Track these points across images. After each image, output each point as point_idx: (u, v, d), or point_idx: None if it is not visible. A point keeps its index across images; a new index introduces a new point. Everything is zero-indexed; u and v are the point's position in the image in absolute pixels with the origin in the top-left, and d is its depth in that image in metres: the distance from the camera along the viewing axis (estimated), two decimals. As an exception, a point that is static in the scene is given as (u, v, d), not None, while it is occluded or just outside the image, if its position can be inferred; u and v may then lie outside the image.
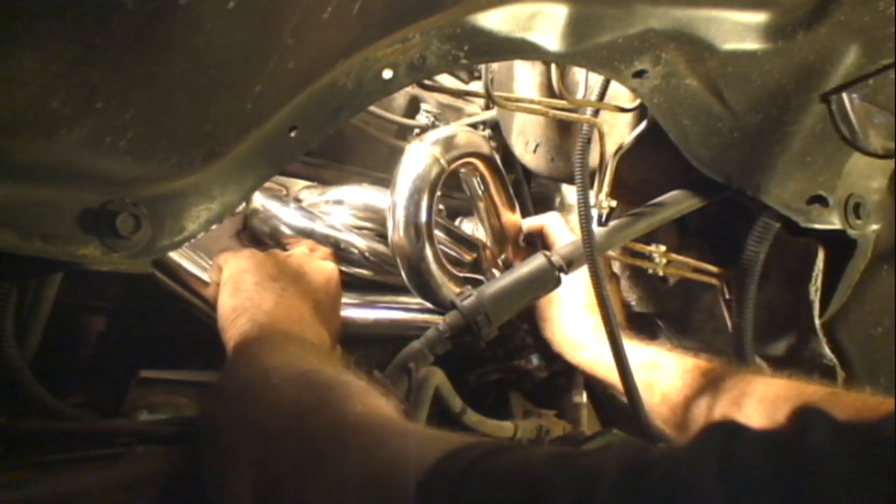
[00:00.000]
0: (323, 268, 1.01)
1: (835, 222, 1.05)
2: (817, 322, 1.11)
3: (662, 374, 0.99)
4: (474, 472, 0.45)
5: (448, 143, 1.00)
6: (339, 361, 0.78)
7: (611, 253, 1.08)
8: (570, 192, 1.34)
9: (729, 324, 1.13)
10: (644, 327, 1.24)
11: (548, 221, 1.16)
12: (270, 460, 0.60)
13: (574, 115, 1.01)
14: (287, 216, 1.09)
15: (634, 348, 1.02)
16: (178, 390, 0.94)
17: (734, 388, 0.89)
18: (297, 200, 1.16)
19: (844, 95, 0.82)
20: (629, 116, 1.06)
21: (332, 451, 0.56)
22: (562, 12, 0.79)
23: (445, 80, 1.32)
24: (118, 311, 1.05)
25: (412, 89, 1.26)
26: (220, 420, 0.70)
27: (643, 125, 1.03)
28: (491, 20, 0.77)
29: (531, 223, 1.17)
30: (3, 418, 0.71)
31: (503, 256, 1.15)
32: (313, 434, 0.59)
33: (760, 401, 0.85)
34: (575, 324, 1.09)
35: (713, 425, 0.37)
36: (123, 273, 0.71)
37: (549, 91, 1.04)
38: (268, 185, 1.13)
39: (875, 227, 1.07)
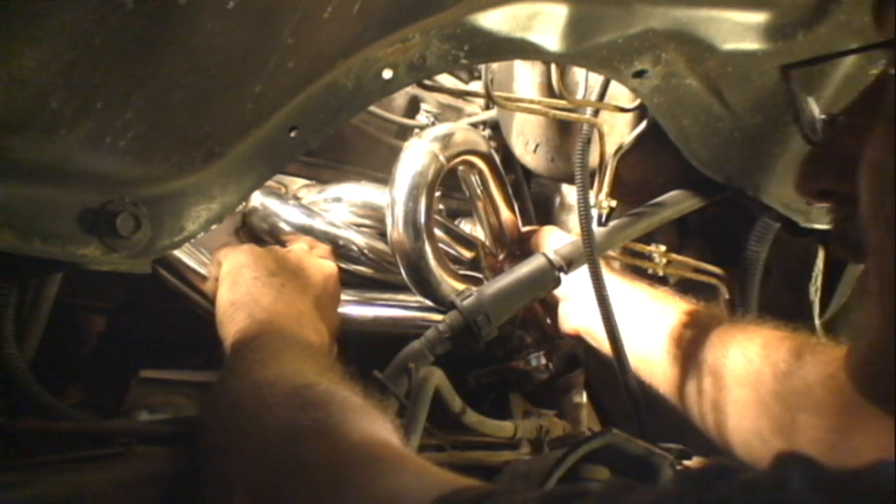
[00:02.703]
0: (322, 265, 1.01)
1: (835, 222, 1.05)
2: (817, 322, 1.11)
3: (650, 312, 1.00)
4: None
5: (447, 141, 1.00)
6: (337, 366, 0.77)
7: (611, 253, 1.08)
8: (570, 192, 1.34)
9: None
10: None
11: (544, 228, 1.16)
12: (267, 488, 0.59)
13: (574, 115, 1.01)
14: (286, 213, 1.09)
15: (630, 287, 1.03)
16: (178, 390, 0.94)
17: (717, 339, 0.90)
18: (296, 198, 1.16)
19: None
20: (629, 116, 1.06)
21: (328, 483, 0.55)
22: (562, 12, 0.79)
23: (445, 80, 1.32)
24: (118, 311, 1.05)
25: (412, 89, 1.26)
26: (215, 437, 0.69)
27: (643, 125, 1.03)
28: (491, 20, 0.77)
29: (529, 229, 1.17)
30: (3, 418, 0.71)
31: (502, 256, 1.15)
32: (309, 463, 0.58)
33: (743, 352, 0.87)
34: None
35: (700, 469, 0.37)
36: (123, 273, 0.71)
37: (549, 91, 1.04)
38: (267, 183, 1.13)
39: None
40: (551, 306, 1.12)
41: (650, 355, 0.97)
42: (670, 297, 1.01)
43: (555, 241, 1.09)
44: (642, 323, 0.99)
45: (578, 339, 1.08)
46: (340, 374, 0.74)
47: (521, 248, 1.13)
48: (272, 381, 0.69)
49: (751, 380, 0.84)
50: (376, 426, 0.63)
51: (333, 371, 0.75)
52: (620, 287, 1.02)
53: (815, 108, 0.52)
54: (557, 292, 1.06)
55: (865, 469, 0.32)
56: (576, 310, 1.07)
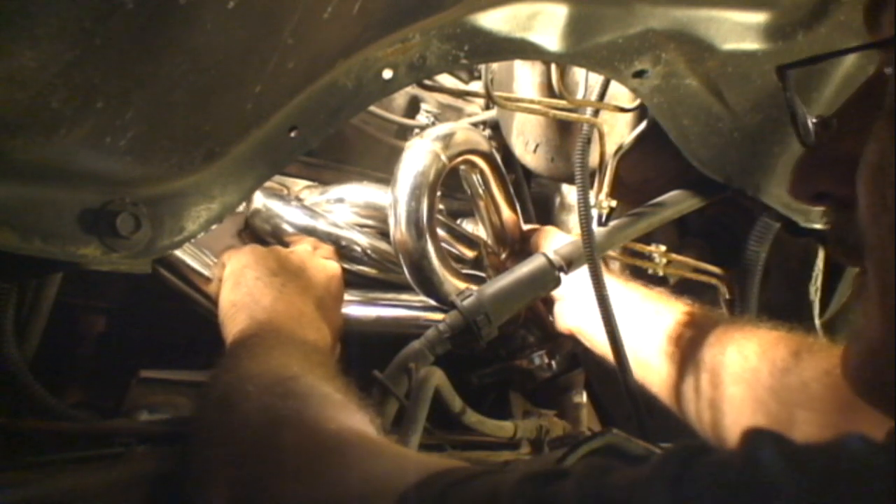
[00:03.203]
0: (325, 265, 1.01)
1: (835, 222, 1.05)
2: (817, 322, 1.11)
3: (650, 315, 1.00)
4: (445, 502, 0.44)
5: (448, 140, 1.00)
6: (329, 363, 0.78)
7: (611, 253, 1.08)
8: (570, 192, 1.34)
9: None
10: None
11: (545, 228, 1.15)
12: (245, 474, 0.59)
13: (574, 115, 1.01)
14: (289, 214, 1.10)
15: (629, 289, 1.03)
16: (178, 390, 0.94)
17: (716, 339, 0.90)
18: (299, 199, 1.16)
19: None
20: (629, 116, 1.06)
21: (304, 470, 0.56)
22: (562, 12, 0.79)
23: (445, 80, 1.32)
24: (118, 311, 1.05)
25: (412, 89, 1.26)
26: (201, 429, 0.70)
27: (643, 125, 1.03)
28: (491, 20, 0.77)
29: (529, 227, 1.17)
30: (3, 418, 0.71)
31: (504, 254, 1.15)
32: (286, 450, 0.59)
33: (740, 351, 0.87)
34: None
35: (673, 450, 0.37)
36: (123, 273, 0.71)
37: (549, 91, 1.04)
38: (268, 184, 1.13)
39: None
40: (553, 305, 1.13)
41: (645, 356, 0.97)
42: (665, 297, 1.01)
43: (555, 241, 1.09)
44: (637, 323, 0.99)
45: (573, 339, 1.08)
46: (331, 371, 0.75)
47: (523, 246, 1.13)
48: (257, 373, 0.70)
49: (748, 377, 0.84)
50: (354, 419, 0.64)
51: (324, 368, 0.75)
52: (615, 287, 1.01)
53: (805, 111, 0.52)
54: (553, 292, 1.06)
55: (834, 443, 0.33)
56: (571, 310, 1.07)
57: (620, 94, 1.01)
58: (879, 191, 0.41)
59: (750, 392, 0.83)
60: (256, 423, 0.63)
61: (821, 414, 0.76)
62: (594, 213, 1.03)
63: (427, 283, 1.00)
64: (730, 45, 0.89)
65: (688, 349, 0.92)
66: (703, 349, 0.90)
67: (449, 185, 1.20)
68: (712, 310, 1.02)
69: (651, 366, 0.97)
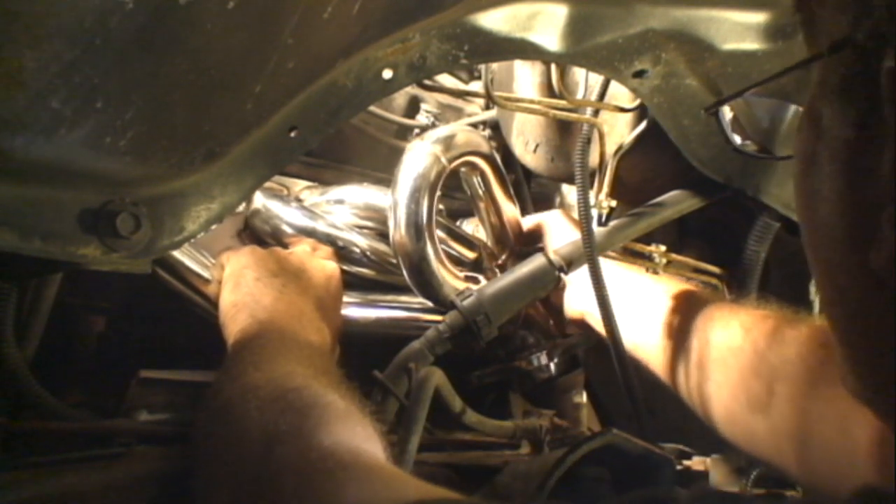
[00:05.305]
0: (324, 266, 1.01)
1: (835, 222, 1.05)
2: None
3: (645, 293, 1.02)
4: None
5: (449, 142, 1.00)
6: (333, 367, 0.77)
7: (611, 253, 1.08)
8: (570, 192, 1.34)
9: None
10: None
11: (546, 219, 1.16)
12: (243, 494, 0.60)
13: (574, 115, 1.01)
14: (288, 215, 1.10)
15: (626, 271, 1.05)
16: (178, 390, 0.94)
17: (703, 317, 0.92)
18: (299, 200, 1.16)
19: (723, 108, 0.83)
20: (629, 116, 1.06)
21: (293, 491, 0.56)
22: (562, 12, 0.80)
23: (445, 80, 1.32)
24: (118, 311, 1.05)
25: (412, 89, 1.26)
26: (205, 439, 0.70)
27: (643, 125, 1.03)
28: (491, 20, 0.77)
29: (531, 221, 1.17)
30: (3, 418, 0.71)
31: (504, 256, 1.15)
32: (278, 467, 0.59)
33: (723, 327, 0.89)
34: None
35: (635, 497, 0.37)
36: (123, 273, 0.71)
37: (549, 91, 1.04)
38: (269, 185, 1.13)
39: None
40: (553, 305, 1.13)
41: (646, 338, 0.98)
42: (668, 279, 1.03)
43: (558, 229, 1.10)
44: (639, 307, 1.00)
45: (582, 324, 1.09)
46: (335, 377, 0.74)
47: (525, 240, 1.13)
48: (261, 385, 0.69)
49: (733, 356, 0.85)
50: (353, 432, 0.64)
51: (328, 374, 0.74)
52: (624, 274, 1.03)
53: None
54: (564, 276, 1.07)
55: None
56: (578, 294, 1.07)
57: (620, 94, 1.01)
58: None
59: (735, 373, 0.85)
60: (254, 442, 0.62)
61: (798, 386, 0.77)
62: (594, 213, 1.03)
63: (426, 285, 1.00)
64: (730, 45, 0.89)
65: (682, 329, 0.94)
66: (694, 328, 0.92)
67: (448, 185, 1.20)
68: (706, 289, 1.04)
69: (651, 347, 0.98)
